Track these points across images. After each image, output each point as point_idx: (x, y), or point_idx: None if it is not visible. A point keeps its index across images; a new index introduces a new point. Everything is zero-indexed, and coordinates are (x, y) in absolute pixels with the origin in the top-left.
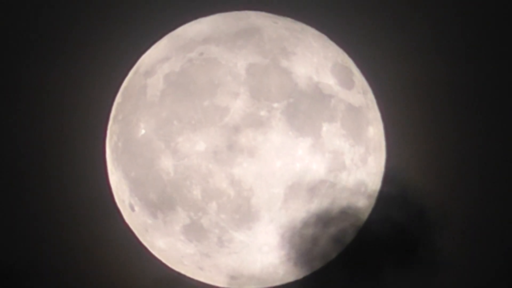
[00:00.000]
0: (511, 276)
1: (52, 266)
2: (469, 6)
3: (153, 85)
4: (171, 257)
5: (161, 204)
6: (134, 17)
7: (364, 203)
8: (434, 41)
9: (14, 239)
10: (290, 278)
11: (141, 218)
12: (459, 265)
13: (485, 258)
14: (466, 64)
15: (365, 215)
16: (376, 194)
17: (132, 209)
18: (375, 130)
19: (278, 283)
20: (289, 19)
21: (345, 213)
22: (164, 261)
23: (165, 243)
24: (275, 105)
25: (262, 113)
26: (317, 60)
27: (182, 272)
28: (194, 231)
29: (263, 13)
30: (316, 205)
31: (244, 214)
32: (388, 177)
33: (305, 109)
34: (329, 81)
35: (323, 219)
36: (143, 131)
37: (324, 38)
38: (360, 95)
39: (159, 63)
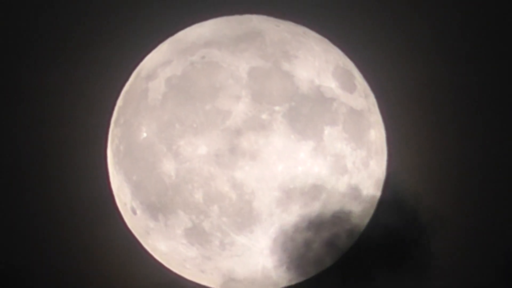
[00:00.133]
0: (506, 284)
1: (54, 268)
2: (472, 12)
3: (154, 89)
4: (173, 260)
5: (163, 208)
6: (135, 21)
7: (365, 207)
8: (436, 46)
9: (15, 242)
10: (292, 281)
11: (143, 221)
12: (458, 271)
13: (486, 262)
14: (468, 69)
15: (366, 219)
16: (377, 199)
17: (134, 213)
18: (376, 133)
19: (279, 286)
20: (291, 22)
21: (346, 216)
22: (165, 264)
23: (167, 246)
24: (277, 108)
25: (264, 116)
26: (318, 64)
27: (184, 275)
28: (196, 235)
29: (265, 17)
30: (318, 208)
31: (245, 217)
32: (389, 181)
33: (307, 112)
34: (331, 85)
35: (324, 222)
36: (144, 135)
37: (326, 41)
38: (361, 98)
39: (160, 67)
